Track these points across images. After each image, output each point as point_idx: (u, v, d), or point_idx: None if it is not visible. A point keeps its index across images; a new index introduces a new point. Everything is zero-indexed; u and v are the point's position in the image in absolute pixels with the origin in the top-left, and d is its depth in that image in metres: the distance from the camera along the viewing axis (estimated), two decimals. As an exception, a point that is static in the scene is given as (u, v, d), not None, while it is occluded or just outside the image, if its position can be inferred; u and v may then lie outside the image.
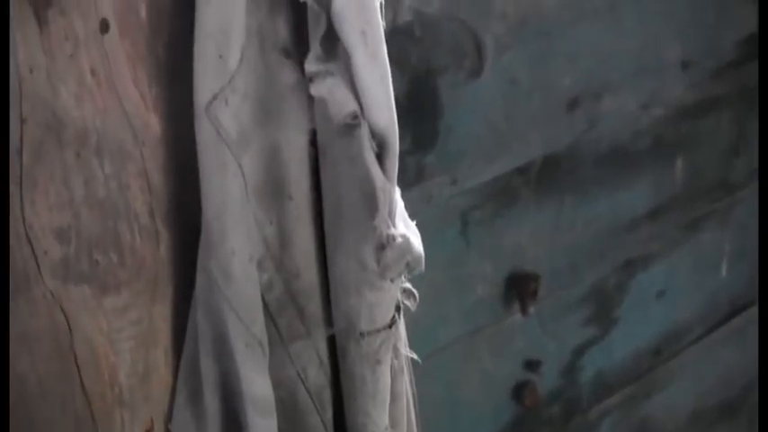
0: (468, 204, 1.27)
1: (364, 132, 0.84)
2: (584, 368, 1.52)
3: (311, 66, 0.84)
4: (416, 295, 0.95)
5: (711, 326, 1.71)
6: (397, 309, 0.94)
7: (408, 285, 0.95)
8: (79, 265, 0.86)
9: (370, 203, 0.85)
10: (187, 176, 0.86)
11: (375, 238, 0.86)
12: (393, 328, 0.93)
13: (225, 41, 0.81)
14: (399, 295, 0.94)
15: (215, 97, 0.81)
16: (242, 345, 0.87)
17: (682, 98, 1.48)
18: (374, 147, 0.84)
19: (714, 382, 1.79)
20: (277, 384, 0.94)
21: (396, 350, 0.97)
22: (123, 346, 0.90)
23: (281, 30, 0.85)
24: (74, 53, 0.81)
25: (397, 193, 0.89)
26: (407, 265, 0.89)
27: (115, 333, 0.89)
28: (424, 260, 0.90)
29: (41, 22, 0.80)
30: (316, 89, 0.84)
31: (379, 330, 0.92)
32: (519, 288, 1.33)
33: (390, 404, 0.99)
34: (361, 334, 0.92)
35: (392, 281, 0.90)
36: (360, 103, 0.83)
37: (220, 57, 0.81)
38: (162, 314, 0.91)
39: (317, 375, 0.99)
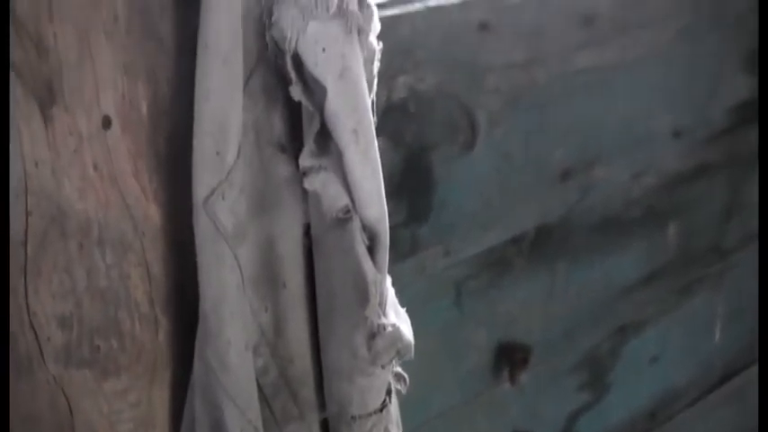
0: (461, 275, 1.31)
1: (356, 226, 0.89)
2: (580, 433, 1.56)
3: (305, 161, 0.89)
4: (407, 379, 1.00)
5: (706, 389, 1.75)
6: (388, 392, 0.99)
7: (399, 369, 0.99)
8: (81, 351, 0.90)
9: (362, 294, 0.90)
10: (186, 266, 0.91)
11: (366, 327, 0.91)
12: (384, 412, 0.98)
13: (222, 138, 0.85)
14: (390, 379, 0.98)
15: (212, 192, 0.85)
16: (237, 430, 0.91)
17: (673, 166, 1.53)
18: (365, 240, 0.89)
19: (710, 444, 1.82)
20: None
21: (387, 432, 1.02)
22: (122, 428, 0.95)
23: (277, 125, 0.90)
24: (77, 148, 0.86)
25: (388, 281, 0.94)
26: (398, 352, 0.94)
27: (115, 415, 0.94)
28: (413, 347, 0.95)
29: (47, 118, 0.85)
30: (309, 183, 0.89)
31: (370, 414, 0.96)
32: (508, 358, 1.37)
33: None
34: (353, 418, 0.96)
35: (383, 367, 0.94)
36: (352, 198, 0.88)
37: (218, 153, 0.85)
38: (160, 397, 0.96)
39: (311, 457, 1.03)
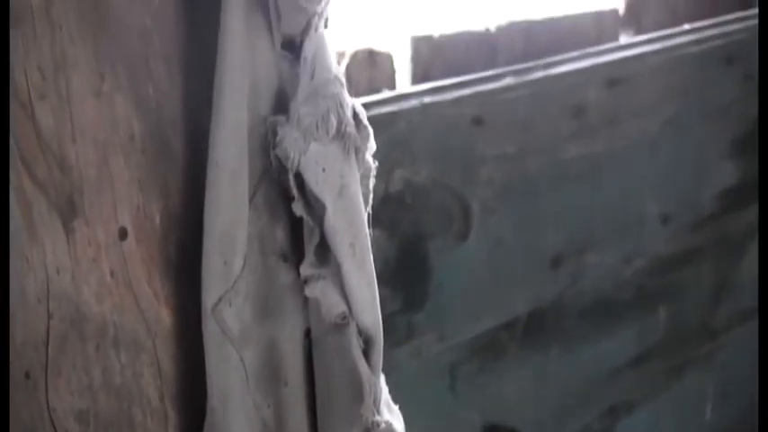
0: (455, 359, 1.40)
1: (352, 331, 0.99)
2: None
3: (306, 270, 0.99)
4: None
5: (698, 467, 1.83)
6: (384, 484, 1.08)
7: (393, 461, 1.09)
8: (96, 444, 1.00)
9: (357, 393, 1.00)
10: (194, 365, 1.01)
11: (362, 424, 1.00)
12: (379, 502, 1.07)
13: (230, 249, 0.96)
14: (385, 471, 1.08)
15: (220, 300, 0.96)
16: None
17: (663, 251, 1.63)
18: (361, 343, 1.00)
19: None
20: None
21: None
22: None
23: (279, 236, 1.00)
24: (96, 257, 0.97)
25: (382, 380, 1.04)
26: (391, 447, 1.04)
27: (127, 503, 1.03)
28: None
29: (68, 230, 0.95)
30: (310, 291, 1.00)
31: (365, 504, 1.06)
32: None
33: None
34: (350, 508, 1.06)
35: (377, 461, 1.04)
36: (348, 305, 0.99)
37: (225, 263, 0.96)
38: (170, 486, 1.06)
39: None
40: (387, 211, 1.28)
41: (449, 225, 1.36)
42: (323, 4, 0.95)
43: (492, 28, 1.47)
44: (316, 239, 0.97)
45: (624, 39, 1.60)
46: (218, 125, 0.95)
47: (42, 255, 0.94)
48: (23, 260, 0.93)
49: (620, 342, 1.61)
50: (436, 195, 1.33)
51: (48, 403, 0.97)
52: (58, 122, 0.93)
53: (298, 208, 0.97)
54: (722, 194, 1.68)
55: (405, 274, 1.31)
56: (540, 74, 1.42)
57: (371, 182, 1.00)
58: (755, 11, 1.63)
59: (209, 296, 0.96)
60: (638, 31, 1.62)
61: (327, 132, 0.95)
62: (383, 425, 1.01)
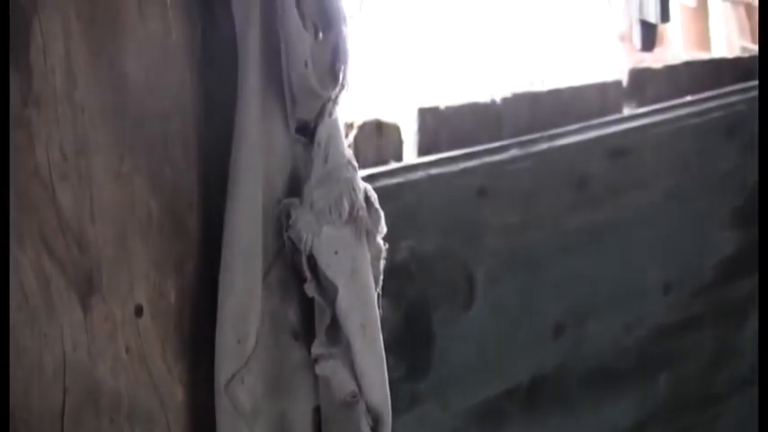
0: (458, 426, 1.43)
1: (361, 409, 1.03)
2: None
3: (317, 349, 1.03)
4: None
5: None
6: None
7: None
8: None
9: (365, 469, 1.04)
10: (206, 439, 1.05)
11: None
12: None
13: (243, 328, 1.00)
14: None
15: (233, 377, 1.00)
16: None
17: (664, 319, 1.66)
18: (370, 421, 1.04)
19: None
20: None
21: None
22: None
23: (291, 315, 1.04)
24: (112, 333, 1.01)
25: (390, 456, 1.08)
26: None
27: None
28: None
29: (86, 307, 0.99)
30: (320, 369, 1.04)
31: None
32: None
33: None
34: None
35: None
36: (358, 384, 1.03)
37: (238, 342, 1.00)
38: None
39: None
40: (392, 280, 1.31)
41: (453, 294, 1.39)
42: (337, 89, 1.00)
43: (497, 99, 1.51)
44: (327, 320, 1.01)
45: (627, 110, 1.64)
46: (234, 206, 0.99)
47: (60, 330, 0.98)
48: (41, 336, 0.97)
49: (621, 408, 1.64)
50: (441, 265, 1.36)
51: (62, 476, 1.00)
52: (78, 202, 0.98)
53: (310, 289, 1.01)
54: (722, 263, 1.72)
55: (408, 342, 1.34)
56: (544, 145, 1.46)
57: (382, 263, 1.04)
58: (755, 82, 1.68)
59: (222, 373, 1.00)
60: (641, 103, 1.65)
61: (340, 216, 0.99)
62: (390, 501, 1.05)
